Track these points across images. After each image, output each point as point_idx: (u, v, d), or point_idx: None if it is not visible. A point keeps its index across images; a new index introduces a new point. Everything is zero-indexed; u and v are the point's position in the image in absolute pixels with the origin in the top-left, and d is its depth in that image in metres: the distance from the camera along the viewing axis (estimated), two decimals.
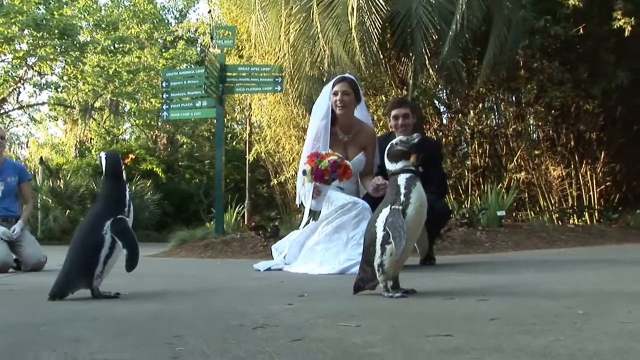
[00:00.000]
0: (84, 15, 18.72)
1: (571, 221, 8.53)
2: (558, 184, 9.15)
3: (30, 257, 4.77)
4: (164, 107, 8.40)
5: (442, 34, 7.66)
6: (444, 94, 10.44)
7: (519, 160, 9.27)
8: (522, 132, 9.48)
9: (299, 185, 4.25)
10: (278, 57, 8.50)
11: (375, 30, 7.46)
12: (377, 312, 2.06)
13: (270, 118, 10.55)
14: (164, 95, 8.41)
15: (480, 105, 9.57)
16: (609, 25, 7.47)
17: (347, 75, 4.53)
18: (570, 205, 9.00)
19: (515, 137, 9.42)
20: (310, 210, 4.04)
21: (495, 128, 9.82)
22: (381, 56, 8.55)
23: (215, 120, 8.53)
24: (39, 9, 17.67)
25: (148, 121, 20.68)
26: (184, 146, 22.39)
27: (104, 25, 18.62)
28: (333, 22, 7.70)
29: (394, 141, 2.48)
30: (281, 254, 4.19)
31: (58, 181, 15.47)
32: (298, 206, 5.17)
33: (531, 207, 9.35)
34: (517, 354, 1.31)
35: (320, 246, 3.85)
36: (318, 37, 7.81)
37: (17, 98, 21.76)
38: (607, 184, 9.23)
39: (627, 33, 7.30)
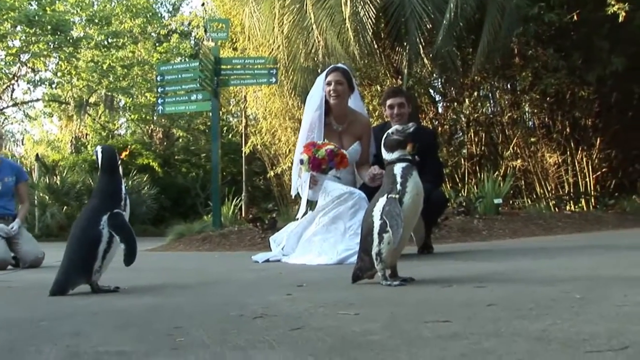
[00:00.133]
0: (77, 11, 18.63)
1: (568, 208, 8.56)
2: (554, 171, 9.18)
3: (27, 254, 4.79)
4: (159, 101, 8.39)
5: (436, 23, 7.64)
6: (439, 83, 10.43)
7: (515, 147, 9.28)
8: (518, 119, 9.48)
9: (295, 176, 4.25)
10: (272, 49, 8.46)
11: (369, 20, 7.44)
12: (375, 301, 2.08)
13: (265, 110, 10.53)
14: (159, 89, 8.42)
15: (476, 94, 9.55)
16: (603, 11, 7.45)
17: (339, 65, 4.52)
18: (566, 192, 9.04)
19: (511, 124, 9.43)
20: (307, 200, 4.05)
21: (491, 116, 9.82)
22: (375, 46, 8.53)
23: (210, 114, 8.52)
24: (31, 5, 17.56)
25: (143, 116, 20.61)
26: (180, 140, 22.37)
27: (96, 20, 18.53)
28: (327, 12, 7.67)
29: (390, 130, 2.48)
30: (279, 246, 4.21)
31: (54, 178, 15.43)
32: (294, 197, 5.18)
33: (528, 194, 9.37)
34: (515, 338, 1.32)
35: (318, 237, 3.86)
36: (312, 28, 7.78)
37: (12, 95, 21.72)
38: (603, 170, 9.26)
39: (621, 19, 7.27)
